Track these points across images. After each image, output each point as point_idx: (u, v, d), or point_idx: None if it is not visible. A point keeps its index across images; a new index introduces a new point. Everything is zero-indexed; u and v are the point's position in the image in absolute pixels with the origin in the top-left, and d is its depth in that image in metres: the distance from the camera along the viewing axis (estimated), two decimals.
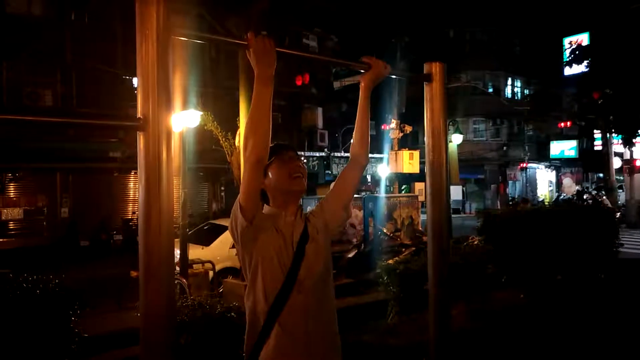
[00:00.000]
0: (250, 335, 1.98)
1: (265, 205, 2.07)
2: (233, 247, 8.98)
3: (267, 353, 1.91)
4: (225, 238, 9.23)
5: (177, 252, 7.42)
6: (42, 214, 14.17)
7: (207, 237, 9.51)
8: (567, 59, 20.43)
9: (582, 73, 19.35)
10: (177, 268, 7.37)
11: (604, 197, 15.78)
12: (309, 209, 2.24)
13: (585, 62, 18.27)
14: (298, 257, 1.97)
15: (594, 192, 16.14)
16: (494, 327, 5.52)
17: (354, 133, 2.22)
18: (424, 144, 2.29)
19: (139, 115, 1.47)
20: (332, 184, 2.30)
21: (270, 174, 2.02)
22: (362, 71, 2.13)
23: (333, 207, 2.14)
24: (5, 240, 13.56)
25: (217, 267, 8.28)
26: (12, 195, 14.74)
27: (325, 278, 2.05)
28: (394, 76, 2.31)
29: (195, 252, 8.42)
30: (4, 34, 14.12)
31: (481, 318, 5.79)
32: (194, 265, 7.77)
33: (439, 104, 2.21)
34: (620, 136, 18.74)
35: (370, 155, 2.33)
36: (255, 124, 1.83)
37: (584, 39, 23.30)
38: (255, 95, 1.82)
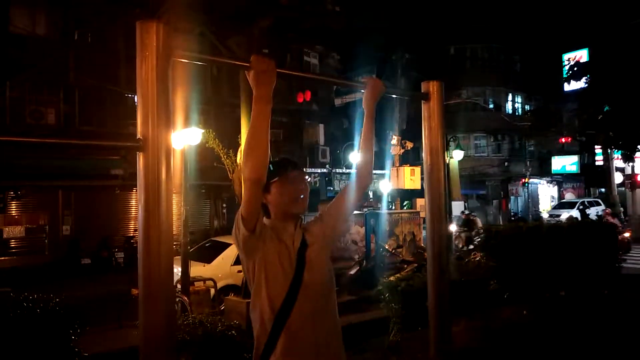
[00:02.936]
0: (258, 346, 1.97)
1: (265, 217, 2.08)
2: (235, 264, 8.96)
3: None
4: (227, 255, 9.21)
5: (179, 269, 7.40)
6: (43, 231, 14.16)
7: (208, 254, 9.47)
8: (566, 76, 20.55)
9: (582, 89, 19.44)
10: (179, 286, 7.34)
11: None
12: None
13: (583, 79, 18.37)
14: (300, 263, 1.99)
15: (466, 212, 16.93)
16: (496, 345, 5.46)
17: (359, 154, 2.24)
18: None
19: (138, 136, 1.49)
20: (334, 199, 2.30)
21: (272, 191, 2.03)
22: (362, 90, 2.17)
23: (333, 220, 2.17)
24: (6, 258, 13.52)
25: (219, 285, 8.24)
26: (13, 213, 14.74)
27: (329, 286, 2.08)
28: (392, 95, 2.33)
29: (197, 269, 8.39)
30: (8, 53, 14.26)
31: (484, 335, 5.74)
32: (195, 283, 7.75)
33: (436, 122, 2.23)
34: (620, 151, 18.76)
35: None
36: (255, 144, 1.84)
37: (583, 55, 23.46)
38: (255, 115, 1.84)
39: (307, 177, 2.16)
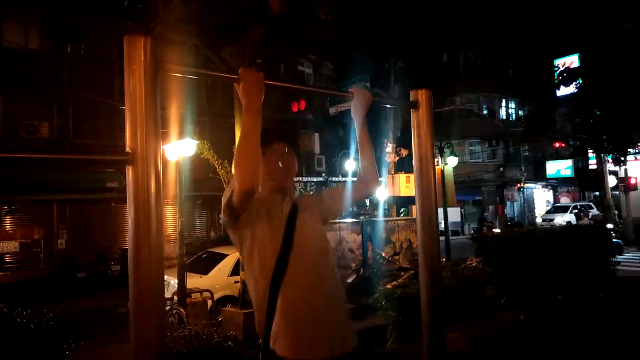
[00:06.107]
0: (259, 314, 1.96)
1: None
2: (232, 275, 8.94)
3: (276, 329, 1.89)
4: (224, 266, 9.19)
5: (175, 281, 7.37)
6: (38, 246, 14.06)
7: (205, 265, 9.45)
8: (557, 81, 20.73)
9: (573, 94, 19.60)
10: (175, 297, 7.31)
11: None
12: None
13: (574, 84, 18.53)
14: (289, 229, 1.97)
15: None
16: (494, 350, 5.46)
17: (360, 162, 2.20)
18: None
19: (127, 149, 1.49)
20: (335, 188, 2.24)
21: None
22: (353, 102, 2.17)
23: (333, 202, 2.17)
24: (1, 274, 13.42)
25: (216, 296, 8.21)
26: (8, 228, 14.66)
27: (322, 251, 2.04)
28: (381, 104, 2.35)
29: (194, 281, 8.36)
30: (1, 67, 14.26)
31: (481, 340, 5.73)
32: (192, 295, 7.71)
33: (426, 130, 2.25)
34: (611, 155, 18.87)
35: None
36: (245, 154, 1.82)
37: (574, 60, 23.63)
38: (244, 127, 1.84)
39: (293, 152, 2.11)
